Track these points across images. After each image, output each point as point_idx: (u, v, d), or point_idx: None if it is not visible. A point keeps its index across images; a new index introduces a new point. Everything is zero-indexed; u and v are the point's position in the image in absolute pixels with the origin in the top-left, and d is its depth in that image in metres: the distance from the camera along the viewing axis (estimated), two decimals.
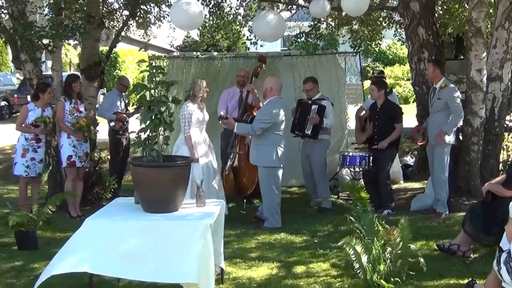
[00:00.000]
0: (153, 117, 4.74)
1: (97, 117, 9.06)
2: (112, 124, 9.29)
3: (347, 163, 8.77)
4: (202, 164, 7.44)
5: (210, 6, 10.69)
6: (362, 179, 8.69)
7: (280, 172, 7.65)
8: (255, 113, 8.22)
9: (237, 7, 11.92)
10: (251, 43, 11.34)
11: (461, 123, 7.76)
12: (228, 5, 11.37)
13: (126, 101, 9.82)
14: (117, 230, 4.59)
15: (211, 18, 11.71)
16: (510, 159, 8.91)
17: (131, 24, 11.10)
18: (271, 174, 7.54)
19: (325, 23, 11.96)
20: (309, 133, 8.38)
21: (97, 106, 9.42)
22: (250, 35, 11.88)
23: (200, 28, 12.40)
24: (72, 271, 4.49)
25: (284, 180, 8.60)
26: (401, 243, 4.99)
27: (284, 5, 11.91)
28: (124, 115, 9.31)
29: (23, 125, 8.05)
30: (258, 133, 7.40)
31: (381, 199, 8.10)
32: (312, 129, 8.37)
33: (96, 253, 4.52)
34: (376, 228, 5.23)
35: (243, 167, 8.70)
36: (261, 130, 7.38)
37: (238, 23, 12.46)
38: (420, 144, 8.43)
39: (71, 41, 9.42)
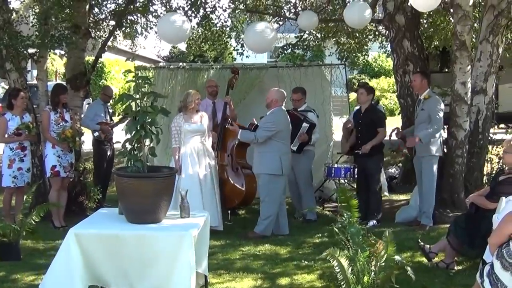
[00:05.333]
0: (138, 128, 4.73)
1: (82, 128, 9.02)
2: (96, 134, 9.24)
3: (332, 174, 8.82)
4: (187, 175, 7.42)
5: (199, 18, 10.68)
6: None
7: (283, 181, 7.66)
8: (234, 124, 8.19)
9: (225, 19, 11.94)
10: (237, 54, 11.36)
11: (444, 135, 7.78)
12: (216, 16, 11.35)
13: (111, 111, 9.78)
14: (100, 241, 4.56)
15: (199, 30, 11.72)
16: (494, 172, 8.97)
17: (117, 34, 11.09)
18: (272, 181, 7.50)
19: (311, 34, 12.01)
20: (295, 149, 8.25)
21: (81, 116, 9.37)
22: (237, 46, 11.92)
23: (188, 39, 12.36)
24: None
25: None
26: (385, 255, 5.00)
27: (271, 17, 11.95)
28: (108, 127, 9.27)
29: (6, 136, 7.98)
30: (261, 140, 7.43)
31: (367, 210, 8.05)
32: (298, 146, 8.30)
33: (81, 269, 4.49)
34: (361, 239, 5.24)
35: (227, 178, 8.68)
36: (265, 138, 7.41)
37: (226, 35, 12.48)
38: (404, 148, 8.27)
39: (57, 51, 9.38)
